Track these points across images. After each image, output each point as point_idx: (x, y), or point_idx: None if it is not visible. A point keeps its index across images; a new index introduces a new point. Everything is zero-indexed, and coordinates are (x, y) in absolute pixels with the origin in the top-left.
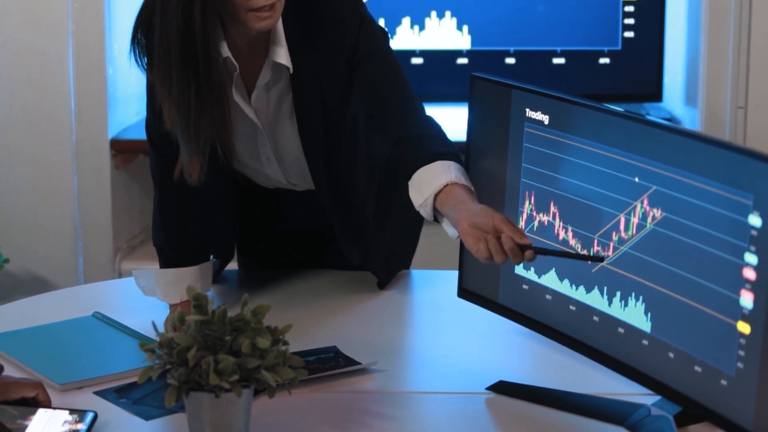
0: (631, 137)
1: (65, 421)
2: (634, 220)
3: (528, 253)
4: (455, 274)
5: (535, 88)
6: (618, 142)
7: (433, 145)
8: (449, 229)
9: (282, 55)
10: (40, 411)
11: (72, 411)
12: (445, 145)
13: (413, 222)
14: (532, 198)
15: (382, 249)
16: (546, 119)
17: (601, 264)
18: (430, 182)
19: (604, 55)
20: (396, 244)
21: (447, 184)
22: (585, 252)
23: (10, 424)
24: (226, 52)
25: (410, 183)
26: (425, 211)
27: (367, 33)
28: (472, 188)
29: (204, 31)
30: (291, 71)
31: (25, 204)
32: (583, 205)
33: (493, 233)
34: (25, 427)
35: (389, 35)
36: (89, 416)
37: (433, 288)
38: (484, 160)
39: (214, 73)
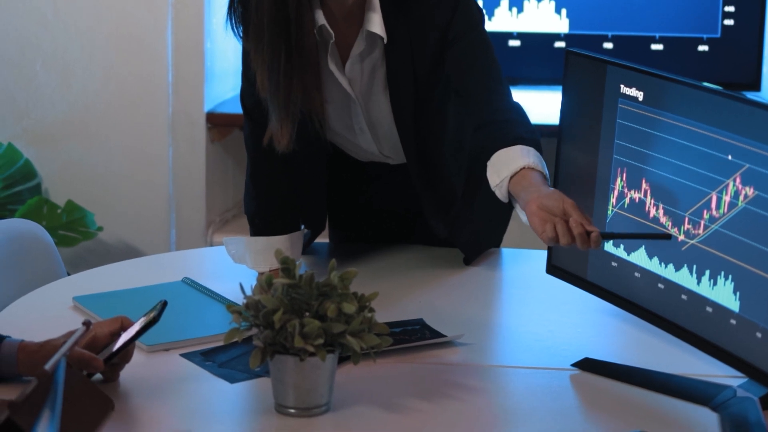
0: (725, 115)
1: (141, 321)
2: (726, 199)
3: (594, 235)
4: (545, 253)
5: (630, 63)
6: (712, 120)
7: (515, 129)
8: (521, 213)
9: (377, 24)
10: (123, 334)
11: (145, 314)
12: (527, 131)
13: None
14: (624, 175)
15: (469, 224)
16: (640, 96)
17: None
18: (508, 164)
19: (702, 43)
20: (484, 221)
21: (523, 167)
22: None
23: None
24: (321, 20)
25: (489, 163)
26: (500, 192)
27: (463, 11)
28: (547, 175)
29: None
30: (385, 41)
31: (120, 174)
32: (675, 182)
33: (562, 216)
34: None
35: (485, 15)
36: (159, 305)
37: (521, 265)
38: (577, 137)
39: (305, 40)
